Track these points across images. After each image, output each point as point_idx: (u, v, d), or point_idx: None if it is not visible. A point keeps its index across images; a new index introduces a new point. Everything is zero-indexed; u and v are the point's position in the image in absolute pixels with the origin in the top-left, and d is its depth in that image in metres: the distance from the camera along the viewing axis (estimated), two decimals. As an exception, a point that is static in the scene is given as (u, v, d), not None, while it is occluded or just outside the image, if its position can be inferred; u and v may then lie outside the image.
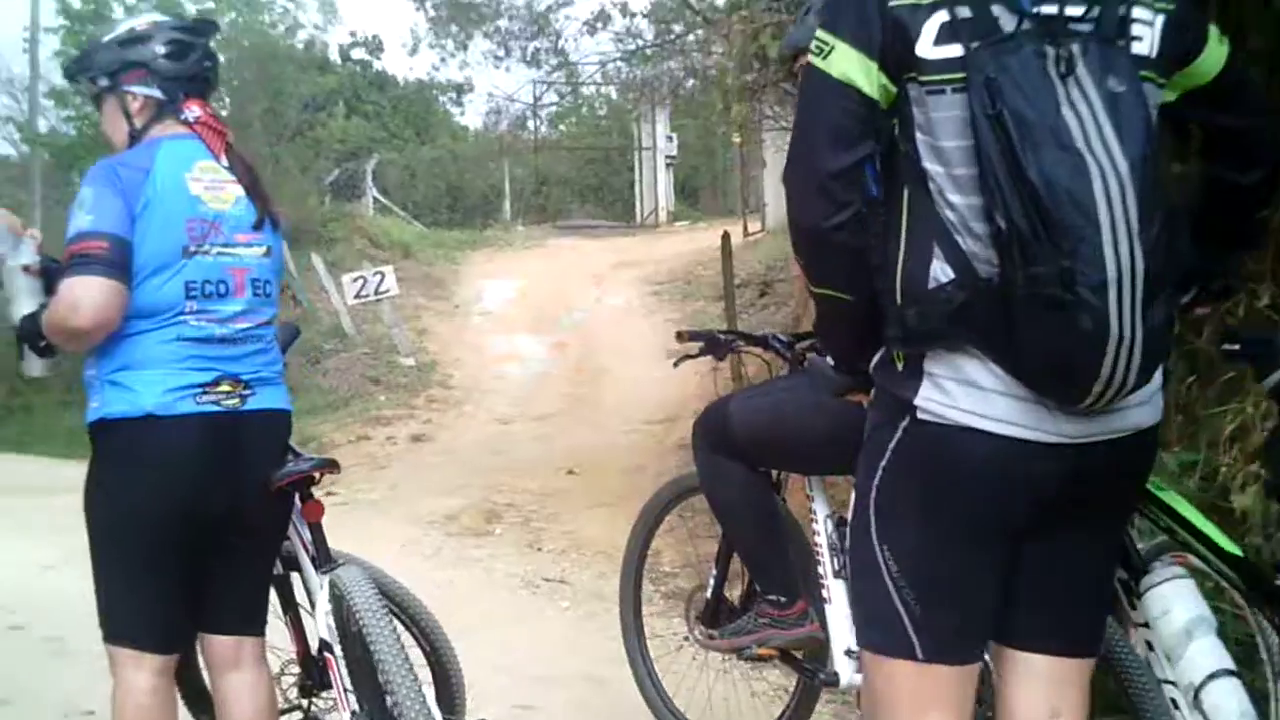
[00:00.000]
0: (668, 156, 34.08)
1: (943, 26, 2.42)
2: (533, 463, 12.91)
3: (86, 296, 3.42)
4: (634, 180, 35.63)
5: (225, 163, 3.75)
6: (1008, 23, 2.38)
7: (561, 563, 8.90)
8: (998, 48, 2.36)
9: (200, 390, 3.61)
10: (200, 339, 3.63)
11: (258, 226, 3.77)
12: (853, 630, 3.73)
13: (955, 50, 2.40)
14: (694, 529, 5.49)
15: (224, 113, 26.49)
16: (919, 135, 2.49)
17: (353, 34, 42.51)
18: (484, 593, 8.07)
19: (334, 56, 39.40)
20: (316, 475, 3.93)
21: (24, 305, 3.70)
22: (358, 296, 19.15)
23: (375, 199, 32.68)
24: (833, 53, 2.50)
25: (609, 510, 10.26)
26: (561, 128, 41.16)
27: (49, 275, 3.66)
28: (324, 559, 3.99)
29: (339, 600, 3.84)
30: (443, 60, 17.57)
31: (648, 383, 15.75)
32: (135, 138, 3.77)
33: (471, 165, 38.46)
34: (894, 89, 2.50)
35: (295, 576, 4.21)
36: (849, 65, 2.48)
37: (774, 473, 4.42)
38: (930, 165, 2.47)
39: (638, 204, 35.11)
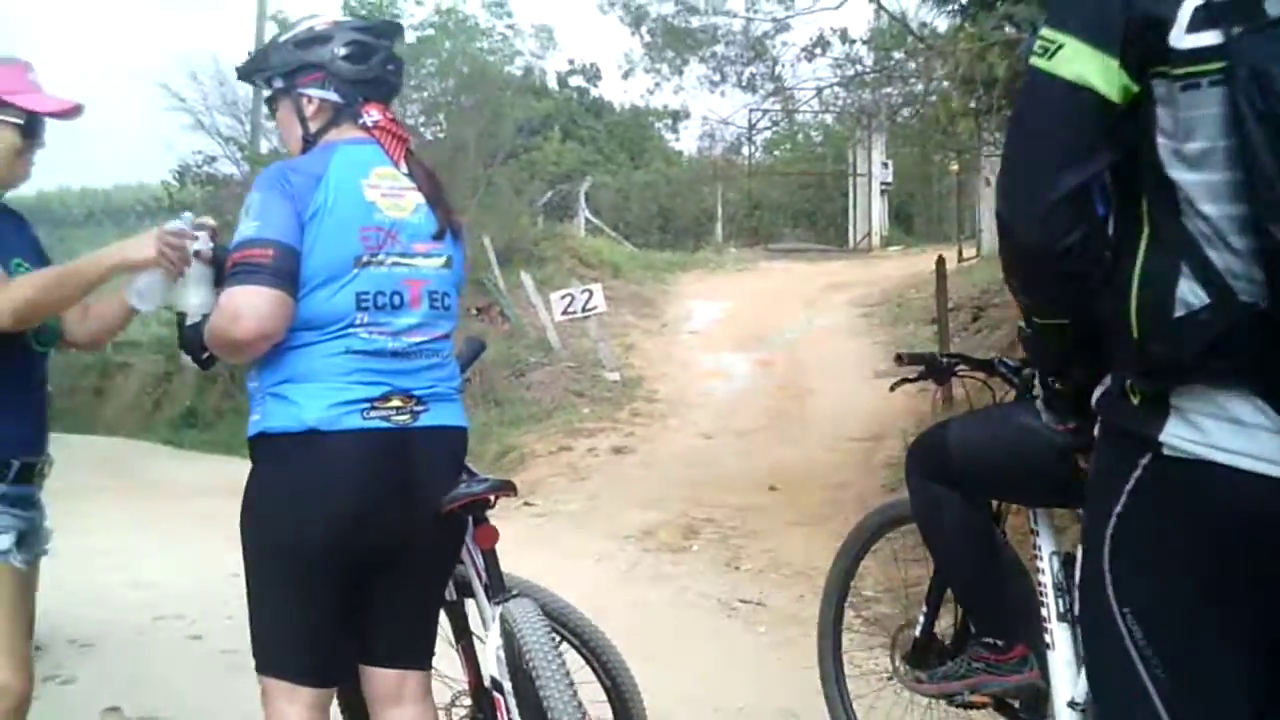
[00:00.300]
0: (882, 183, 33.54)
1: (1197, 11, 2.03)
2: (734, 478, 12.56)
3: (248, 306, 3.16)
4: (847, 206, 35.20)
5: (405, 169, 3.47)
6: (1274, 6, 1.98)
7: (760, 583, 8.50)
8: (1265, 34, 1.97)
9: (368, 405, 3.32)
10: (370, 352, 3.34)
11: (438, 236, 3.48)
12: (1077, 680, 3.39)
13: (1212, 38, 2.02)
14: (900, 551, 5.09)
15: (441, 135, 27.02)
16: (1162, 139, 2.10)
17: (571, 61, 42.99)
18: (677, 614, 7.72)
19: (551, 83, 39.71)
20: (491, 498, 3.57)
21: (191, 295, 3.46)
22: (565, 313, 19.07)
23: (587, 220, 32.78)
24: (1060, 51, 2.15)
25: (810, 529, 9.93)
26: (776, 153, 40.83)
27: (220, 266, 3.41)
28: (497, 588, 3.65)
29: (510, 636, 3.50)
30: (657, 85, 17.29)
31: (854, 401, 15.32)
32: (310, 142, 3.51)
33: (684, 189, 38.44)
34: (1136, 88, 2.12)
35: (471, 602, 3.89)
36: (1082, 64, 2.12)
37: (993, 504, 4.00)
38: (1177, 173, 2.08)
39: (850, 229, 34.67)
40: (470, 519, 3.62)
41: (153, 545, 10.45)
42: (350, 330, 3.30)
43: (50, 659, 6.76)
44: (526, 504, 12.33)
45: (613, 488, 12.82)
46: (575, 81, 42.11)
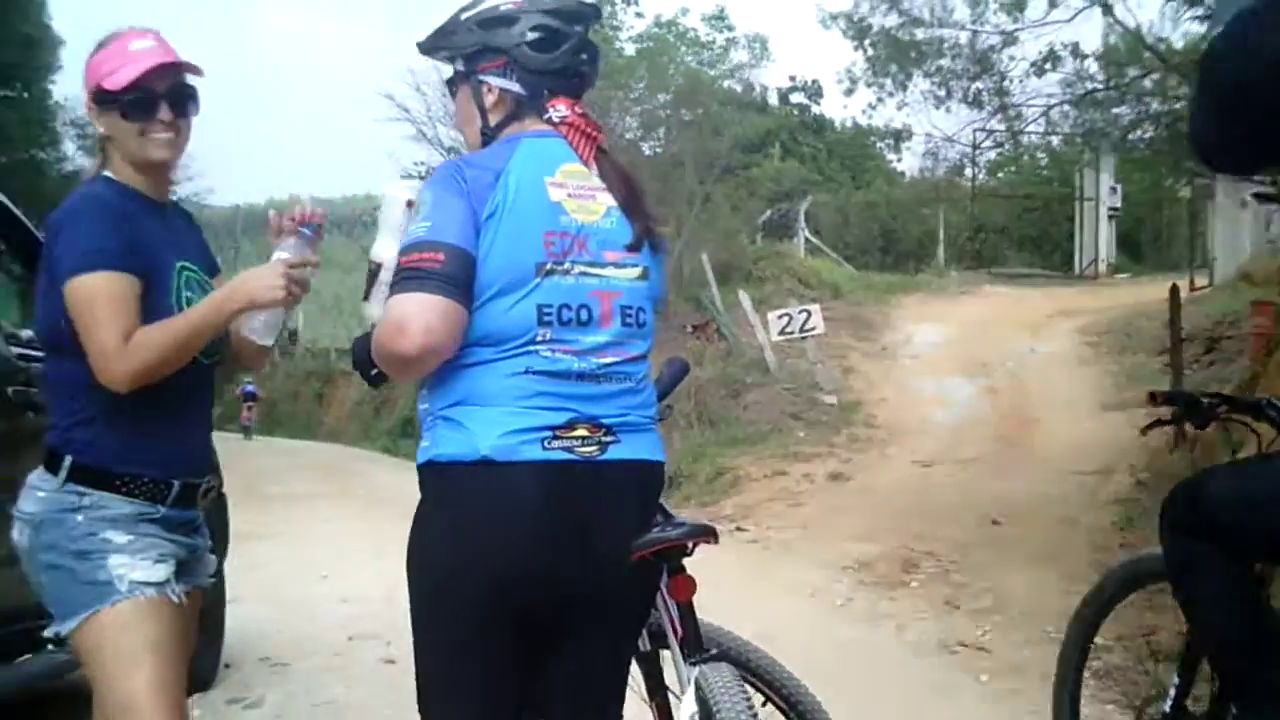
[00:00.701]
0: (1110, 208, 32.48)
1: None
2: (954, 509, 11.96)
3: (414, 318, 2.75)
4: (1073, 231, 34.21)
5: (596, 169, 3.03)
6: None
7: (982, 624, 7.92)
8: None
9: (550, 434, 2.88)
10: (554, 373, 2.90)
11: (634, 246, 3.02)
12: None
13: None
14: (1139, 598, 4.56)
15: (658, 149, 26.91)
16: None
17: (792, 78, 42.90)
18: (893, 656, 7.22)
19: (772, 99, 39.50)
20: (689, 545, 3.11)
21: (376, 298, 3.07)
22: (783, 333, 18.72)
23: (807, 239, 32.47)
24: None
25: (1036, 567, 9.34)
26: (999, 175, 39.95)
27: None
28: (694, 647, 3.22)
29: (705, 704, 3.08)
30: (879, 100, 16.72)
31: (1081, 432, 14.62)
32: (489, 136, 3.09)
33: (906, 210, 37.92)
34: None
35: (667, 653, 3.48)
36: None
37: (1258, 566, 3.47)
38: None
39: (1076, 254, 33.72)
40: (664, 567, 3.19)
41: (360, 557, 10.42)
42: (531, 348, 2.88)
43: (239, 678, 6.60)
44: (739, 529, 12.03)
45: (828, 516, 12.39)
46: (796, 98, 41.95)
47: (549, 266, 2.87)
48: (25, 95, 33.25)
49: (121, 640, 3.10)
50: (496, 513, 2.85)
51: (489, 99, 3.07)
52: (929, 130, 20.51)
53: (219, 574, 6.73)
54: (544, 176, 2.94)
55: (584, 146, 3.02)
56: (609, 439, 2.93)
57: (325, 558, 11.13)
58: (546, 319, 2.87)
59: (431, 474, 2.94)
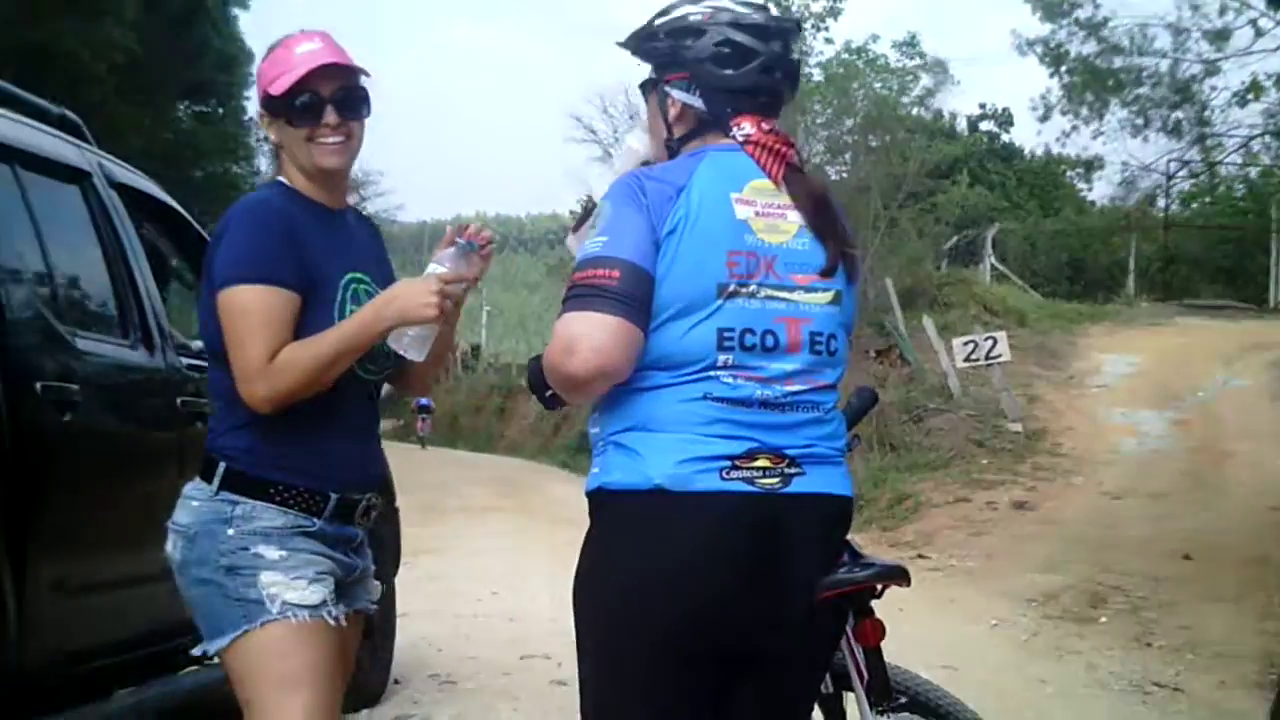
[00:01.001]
0: (1309, 240, 31.12)
1: None
2: (1144, 543, 11.45)
3: (585, 337, 2.58)
4: (1269, 264, 32.93)
5: (785, 188, 2.78)
6: None
7: (1175, 664, 7.48)
8: None
9: (729, 464, 2.64)
10: (735, 400, 2.68)
11: (827, 271, 2.77)
12: None
13: None
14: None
15: (844, 174, 26.55)
16: None
17: (982, 105, 42.31)
18: (1083, 695, 6.82)
19: (961, 126, 39.03)
20: (877, 587, 2.88)
21: (578, 235, 2.89)
22: (967, 360, 18.23)
23: (993, 266, 31.84)
24: None
25: (1230, 606, 8.88)
26: (1194, 206, 38.77)
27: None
28: (881, 694, 2.99)
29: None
30: (1074, 128, 16.27)
31: (1276, 469, 14.07)
32: (673, 150, 2.88)
33: (1095, 239, 36.94)
34: None
35: (850, 695, 3.22)
36: None
37: None
38: None
39: (1271, 287, 32.40)
40: (851, 609, 2.93)
41: (533, 574, 10.31)
42: (711, 373, 2.67)
43: (407, 695, 6.47)
44: (921, 556, 11.70)
45: (1012, 545, 11.99)
46: (986, 125, 41.36)
47: (732, 288, 2.67)
48: (219, 111, 34.05)
49: (273, 665, 2.91)
50: (667, 546, 2.63)
51: (673, 111, 2.88)
52: (1125, 159, 19.99)
53: (390, 587, 6.64)
54: (730, 193, 2.73)
55: (772, 164, 2.78)
56: (793, 471, 2.70)
57: (497, 574, 11.06)
58: (728, 344, 2.66)
59: (601, 502, 2.74)
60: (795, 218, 2.76)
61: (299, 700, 2.90)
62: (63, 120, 4.91)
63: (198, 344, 5.43)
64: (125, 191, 5.03)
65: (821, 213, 2.78)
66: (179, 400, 4.77)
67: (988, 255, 31.80)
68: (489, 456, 31.75)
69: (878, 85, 27.73)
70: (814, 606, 2.71)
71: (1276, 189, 31.02)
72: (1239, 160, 18.86)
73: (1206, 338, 24.61)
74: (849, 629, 3.03)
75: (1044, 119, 17.12)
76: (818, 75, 26.48)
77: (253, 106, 35.87)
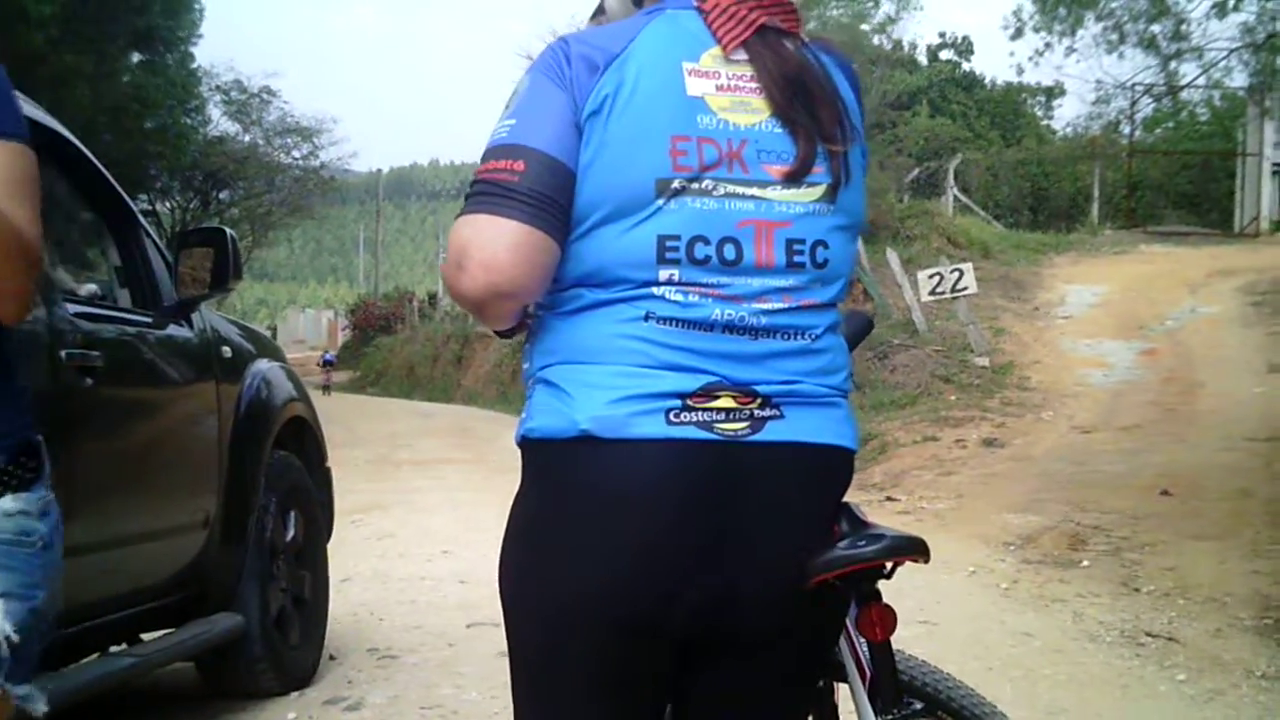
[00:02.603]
0: (1274, 163, 31.04)
1: None
2: (1119, 479, 11.04)
3: (476, 248, 2.01)
4: (1234, 188, 32.73)
5: (748, 56, 2.14)
6: None
7: (1166, 611, 6.99)
8: None
9: (678, 403, 2.02)
10: (687, 321, 2.04)
11: (795, 174, 2.10)
12: None
13: None
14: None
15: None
16: None
17: (941, 34, 42.08)
18: (1073, 649, 6.31)
19: (921, 56, 38.66)
20: (888, 566, 2.21)
21: None
22: (933, 293, 17.93)
23: (956, 198, 31.45)
24: None
25: (1215, 544, 8.45)
26: (1156, 131, 38.51)
27: None
28: (889, 699, 2.37)
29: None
30: (1046, 45, 15.70)
31: (1248, 398, 13.86)
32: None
33: (1058, 168, 36.68)
34: None
35: (843, 687, 2.62)
36: None
37: None
38: None
39: (1237, 212, 32.27)
40: (853, 594, 2.29)
41: (487, 529, 9.67)
42: (651, 290, 2.05)
43: (341, 674, 5.95)
44: (889, 499, 11.30)
45: (983, 485, 11.56)
46: (946, 55, 41.09)
47: (677, 184, 2.04)
48: (167, 59, 33.35)
49: None
50: (600, 511, 2.03)
51: None
52: (1099, 78, 19.53)
53: (322, 554, 6.16)
54: (682, 61, 2.10)
55: (729, 28, 2.14)
56: (766, 413, 2.07)
57: (448, 531, 10.57)
58: (671, 255, 2.04)
59: (526, 454, 2.14)
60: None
61: None
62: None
63: (88, 289, 4.90)
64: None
65: (789, 94, 2.13)
66: (63, 353, 4.17)
67: (950, 187, 31.37)
68: (446, 406, 31.29)
69: (837, 12, 27.30)
70: (800, 590, 2.10)
71: (1241, 111, 30.72)
72: (1206, 82, 18.39)
73: (1172, 265, 24.42)
74: (850, 619, 2.41)
75: (1016, 36, 16.51)
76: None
77: (201, 55, 35.19)
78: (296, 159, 43.46)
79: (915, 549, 2.19)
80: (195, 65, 35.01)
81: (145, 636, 5.04)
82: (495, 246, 1.99)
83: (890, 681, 2.38)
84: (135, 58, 32.86)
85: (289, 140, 42.83)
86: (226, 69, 39.80)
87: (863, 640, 2.44)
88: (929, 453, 13.37)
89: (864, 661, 2.48)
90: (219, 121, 41.07)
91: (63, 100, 27.20)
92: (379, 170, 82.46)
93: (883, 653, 2.36)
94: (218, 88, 39.86)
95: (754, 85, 2.11)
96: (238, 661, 5.34)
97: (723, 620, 2.07)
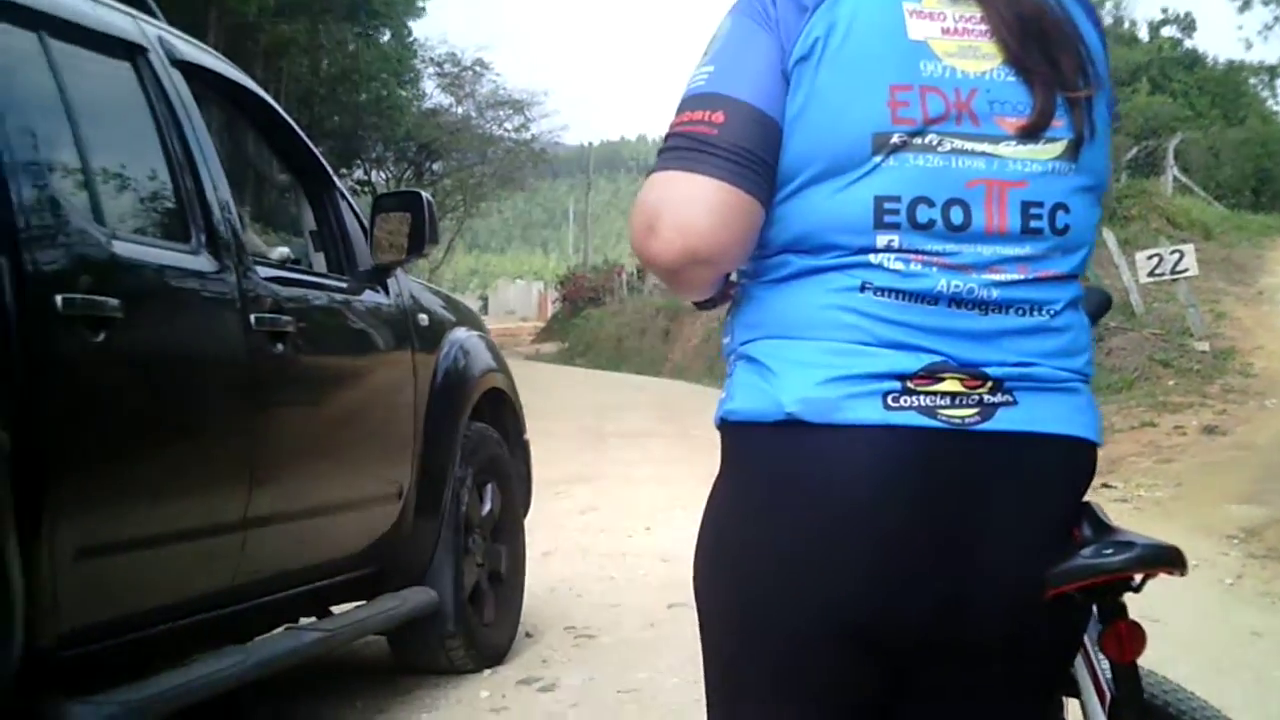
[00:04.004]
0: None
1: None
2: (1353, 471, 10.36)
3: (669, 208, 1.74)
4: None
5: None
6: None
7: None
8: None
9: (897, 385, 1.74)
10: (909, 293, 1.76)
11: (1033, 127, 1.80)
12: None
13: None
14: None
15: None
16: None
17: (1164, 10, 40.75)
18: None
19: (1142, 33, 37.56)
20: (1137, 578, 1.88)
21: None
22: (1151, 275, 17.17)
23: (1175, 178, 30.28)
24: None
25: None
26: None
27: None
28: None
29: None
30: (1276, 20, 15.01)
31: None
32: None
33: (1282, 149, 35.31)
34: None
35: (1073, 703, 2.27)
36: None
37: None
38: None
39: None
40: (1094, 608, 1.94)
41: (691, 506, 9.43)
42: (869, 256, 1.76)
43: (536, 652, 5.75)
44: (1106, 485, 10.74)
45: (1204, 474, 10.89)
46: (1167, 31, 39.80)
47: (897, 139, 1.76)
48: (383, 32, 34.06)
49: None
50: (801, 503, 1.75)
51: None
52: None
53: (519, 532, 5.97)
54: (902, 1, 1.80)
55: None
56: (998, 399, 1.78)
57: (651, 506, 10.34)
58: (891, 218, 1.75)
59: (726, 438, 1.87)
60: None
61: None
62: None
63: (281, 252, 4.75)
64: (195, 73, 4.24)
65: (1024, 38, 1.81)
66: (253, 318, 3.99)
67: (1170, 166, 30.26)
68: (653, 379, 31.23)
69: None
70: (1036, 602, 1.79)
71: None
72: None
73: None
74: (1090, 636, 2.10)
75: (1244, 8, 15.76)
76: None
77: (417, 28, 35.97)
78: (508, 131, 44.07)
79: (1170, 560, 1.86)
80: (411, 39, 35.56)
81: (335, 610, 4.91)
82: (691, 207, 1.74)
83: (1134, 708, 2.04)
84: (353, 31, 33.57)
85: (501, 113, 43.43)
86: (440, 42, 40.42)
87: (1103, 658, 2.09)
88: (1146, 438, 12.70)
89: (1103, 682, 2.15)
90: (433, 94, 41.80)
91: (280, 71, 27.92)
92: (589, 144, 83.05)
93: (1127, 674, 2.01)
94: (432, 60, 40.52)
95: (984, 28, 1.81)
96: (430, 637, 5.19)
97: (945, 633, 1.78)
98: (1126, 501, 10.14)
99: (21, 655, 2.93)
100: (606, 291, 46.79)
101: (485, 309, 66.23)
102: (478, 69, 41.88)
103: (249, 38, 26.91)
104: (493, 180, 45.11)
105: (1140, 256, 17.47)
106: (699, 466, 11.58)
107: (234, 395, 3.95)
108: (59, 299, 3.15)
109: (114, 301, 3.32)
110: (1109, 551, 1.81)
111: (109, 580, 3.41)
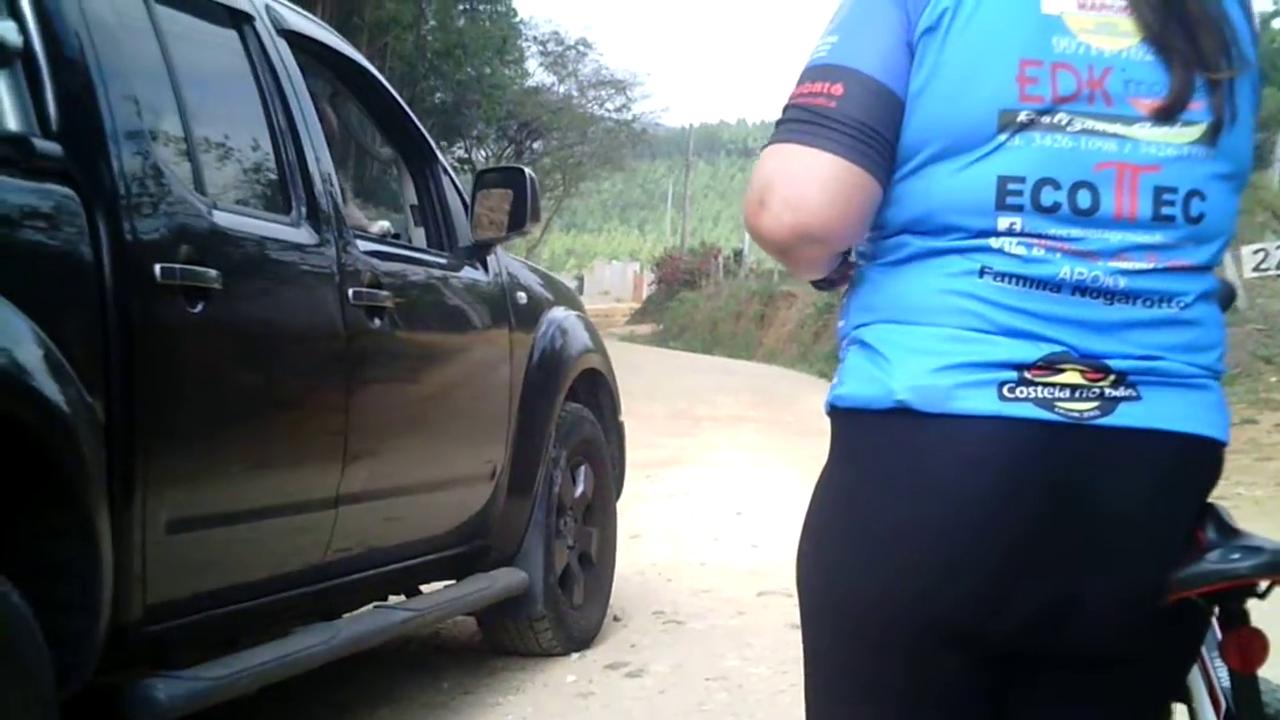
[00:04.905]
0: None
1: None
2: None
3: (789, 181, 1.67)
4: None
5: None
6: None
7: None
8: None
9: (1014, 374, 1.66)
10: (1030, 280, 1.68)
11: (1169, 108, 1.70)
12: None
13: None
14: None
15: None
16: None
17: (1275, 2, 39.83)
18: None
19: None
20: (1262, 584, 1.75)
21: None
22: (1257, 269, 17.01)
23: (1282, 172, 29.58)
24: None
25: None
26: None
27: None
28: None
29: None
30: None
31: None
32: None
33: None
34: None
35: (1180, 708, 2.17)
36: None
37: None
38: None
39: None
40: (1215, 614, 1.83)
41: (782, 492, 9.41)
42: (988, 241, 1.69)
43: (624, 636, 5.67)
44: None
45: (1306, 473, 10.68)
46: (1278, 24, 39.01)
47: (1025, 116, 1.68)
48: (487, 10, 34.18)
49: None
50: (909, 497, 1.69)
51: None
52: None
53: (611, 514, 5.88)
54: None
55: None
56: (1120, 393, 1.69)
57: (742, 491, 10.22)
58: (1014, 200, 1.68)
59: (836, 426, 1.81)
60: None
61: None
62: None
63: (381, 226, 4.70)
64: (300, 43, 4.18)
65: (1164, 14, 1.71)
66: (351, 292, 3.92)
67: (1278, 160, 29.58)
68: (746, 364, 31.14)
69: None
70: (1156, 606, 1.72)
71: None
72: None
73: None
74: (1210, 643, 1.96)
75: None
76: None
77: (522, 7, 36.24)
78: (609, 111, 44.25)
79: None
80: (515, 18, 35.66)
81: (425, 589, 4.85)
82: (804, 181, 1.67)
83: (1254, 714, 1.89)
84: (458, 8, 33.73)
85: (602, 93, 43.60)
86: (545, 21, 40.59)
87: (1221, 667, 1.96)
88: (1246, 436, 12.43)
89: (1219, 692, 2.01)
90: (535, 73, 41.96)
91: (385, 47, 28.13)
92: (689, 126, 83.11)
93: (1247, 685, 1.88)
94: (535, 39, 40.65)
95: (1122, 3, 1.71)
96: (519, 619, 5.14)
97: (1059, 636, 1.71)
98: (1225, 499, 9.83)
99: (108, 628, 2.88)
100: (702, 274, 46.70)
101: (580, 289, 66.49)
102: (581, 48, 42.08)
103: (356, 13, 27.14)
104: (592, 160, 45.28)
105: (1246, 251, 17.29)
106: (791, 453, 11.52)
107: (330, 370, 3.89)
108: (158, 268, 3.10)
109: (213, 272, 3.27)
110: (1236, 555, 1.72)
111: (199, 555, 3.38)
